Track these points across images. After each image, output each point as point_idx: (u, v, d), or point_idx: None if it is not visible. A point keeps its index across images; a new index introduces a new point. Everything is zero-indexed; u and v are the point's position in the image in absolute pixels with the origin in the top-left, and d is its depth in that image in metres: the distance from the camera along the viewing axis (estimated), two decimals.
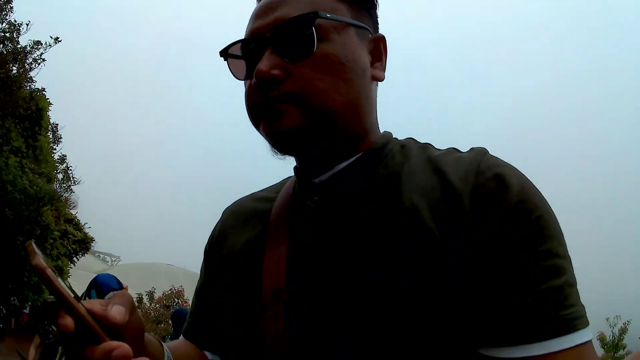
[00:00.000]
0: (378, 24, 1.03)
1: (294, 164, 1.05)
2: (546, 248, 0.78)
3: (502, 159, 0.88)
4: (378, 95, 1.02)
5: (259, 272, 0.94)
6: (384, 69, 1.00)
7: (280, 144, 0.91)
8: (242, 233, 1.06)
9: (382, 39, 1.00)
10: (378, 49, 0.99)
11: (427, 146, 0.98)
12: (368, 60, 0.96)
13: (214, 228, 1.20)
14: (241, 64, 0.96)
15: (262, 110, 0.90)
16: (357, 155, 0.95)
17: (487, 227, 0.78)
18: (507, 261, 0.77)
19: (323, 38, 0.87)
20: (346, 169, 0.95)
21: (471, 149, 0.93)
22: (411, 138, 1.02)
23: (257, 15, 0.93)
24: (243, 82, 0.96)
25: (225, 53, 0.96)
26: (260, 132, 0.94)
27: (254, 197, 1.16)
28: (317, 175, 0.97)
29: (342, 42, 0.90)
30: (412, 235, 0.80)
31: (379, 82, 1.01)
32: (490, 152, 0.90)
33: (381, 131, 1.03)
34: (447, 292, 0.76)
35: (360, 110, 0.93)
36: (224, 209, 1.22)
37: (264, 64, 0.86)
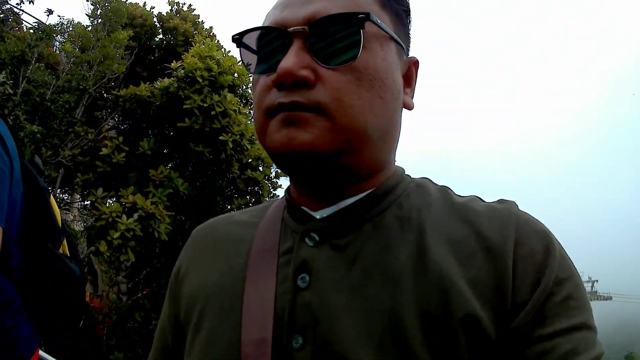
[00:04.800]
0: (410, 45, 0.93)
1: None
2: (584, 320, 0.72)
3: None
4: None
5: (237, 315, 0.80)
6: (412, 97, 0.90)
7: (291, 161, 0.78)
8: (214, 264, 0.91)
9: (416, 63, 0.91)
10: (410, 73, 0.90)
11: (446, 189, 0.89)
12: (402, 83, 0.86)
13: (180, 255, 1.02)
14: (258, 57, 0.83)
15: (277, 114, 0.77)
16: (368, 191, 0.84)
17: (528, 291, 0.71)
18: (544, 332, 0.69)
19: (365, 46, 0.77)
20: (355, 205, 0.83)
21: (500, 200, 0.85)
22: (427, 178, 0.92)
23: (287, 4, 0.82)
24: (256, 77, 0.83)
25: (240, 39, 0.83)
26: (264, 143, 0.81)
27: (230, 220, 1.01)
28: (316, 207, 0.85)
29: (384, 56, 0.80)
30: (439, 298, 0.71)
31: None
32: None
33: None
34: None
35: (388, 138, 0.84)
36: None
37: (291, 60, 0.74)
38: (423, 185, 0.89)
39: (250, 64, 0.84)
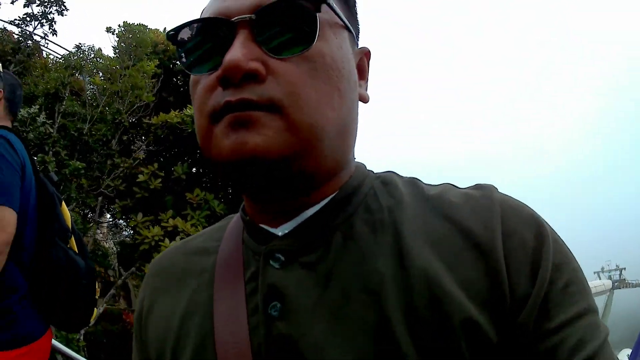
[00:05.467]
0: (359, 34, 0.84)
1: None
2: (587, 304, 0.66)
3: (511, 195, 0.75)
4: None
5: (211, 355, 0.72)
6: (366, 89, 0.82)
7: (243, 170, 0.66)
8: (178, 301, 0.80)
9: (368, 53, 0.83)
10: (363, 63, 0.82)
11: (414, 182, 0.80)
12: (356, 74, 0.78)
13: (140, 295, 0.91)
14: (198, 53, 0.71)
15: (223, 116, 0.65)
16: (330, 197, 0.74)
17: (526, 285, 0.65)
18: (546, 322, 0.64)
19: (319, 34, 0.67)
20: (319, 214, 0.73)
21: (476, 185, 0.77)
22: (391, 172, 0.83)
23: None
24: (196, 77, 0.71)
25: (175, 36, 0.71)
26: (210, 153, 0.69)
27: (187, 249, 0.88)
28: (276, 223, 0.75)
29: (339, 44, 0.72)
30: (430, 308, 0.63)
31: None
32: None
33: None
34: None
35: (348, 134, 0.74)
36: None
37: (239, 52, 0.64)
38: (389, 180, 0.79)
39: (189, 63, 0.72)
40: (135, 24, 9.62)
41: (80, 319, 2.31)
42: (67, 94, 7.58)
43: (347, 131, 0.73)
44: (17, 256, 2.00)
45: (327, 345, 0.65)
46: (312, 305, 0.67)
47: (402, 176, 0.82)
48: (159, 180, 7.60)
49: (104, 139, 7.33)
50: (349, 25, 0.76)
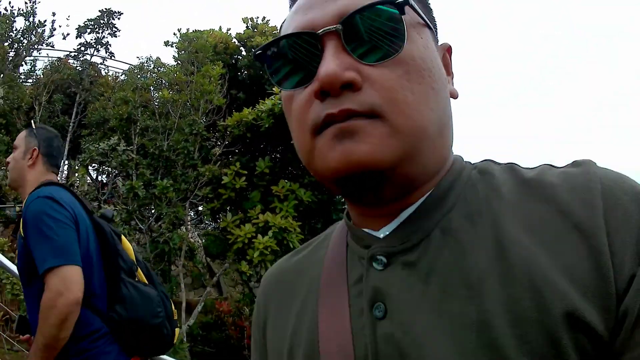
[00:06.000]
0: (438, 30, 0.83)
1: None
2: None
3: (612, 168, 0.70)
4: None
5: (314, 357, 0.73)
6: (453, 84, 0.81)
7: (352, 180, 0.66)
8: (290, 310, 0.82)
9: (449, 49, 0.83)
10: (447, 59, 0.82)
11: (513, 167, 0.77)
12: (444, 70, 0.77)
13: (257, 304, 0.94)
14: (288, 69, 0.71)
15: (326, 129, 0.66)
16: (427, 194, 0.73)
17: (632, 263, 0.59)
18: None
19: (406, 37, 0.67)
20: (417, 213, 0.73)
21: (574, 162, 0.74)
22: (489, 160, 0.81)
23: (309, 5, 0.71)
24: (290, 93, 0.72)
25: (263, 55, 0.72)
26: (315, 167, 0.69)
27: (297, 258, 0.91)
28: (378, 225, 0.75)
29: (425, 44, 0.71)
30: (532, 299, 0.60)
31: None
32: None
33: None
34: None
35: (446, 131, 0.74)
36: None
37: (332, 63, 0.64)
38: (486, 169, 0.77)
39: (280, 80, 0.72)
40: (191, 31, 9.82)
41: (163, 344, 2.36)
42: (139, 116, 7.87)
43: (445, 129, 0.73)
44: (89, 303, 2.08)
45: (428, 340, 0.64)
46: (413, 304, 0.67)
47: (499, 163, 0.80)
48: (243, 178, 7.76)
49: (185, 151, 7.56)
50: (429, 22, 0.75)
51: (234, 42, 10.75)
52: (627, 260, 0.59)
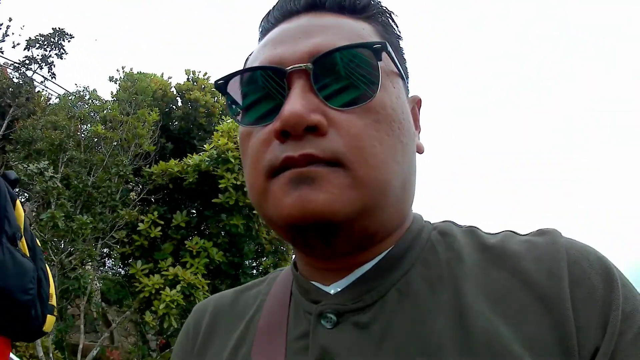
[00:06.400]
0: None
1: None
2: None
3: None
4: None
5: None
6: (419, 139, 0.78)
7: (304, 229, 0.63)
8: (223, 347, 0.78)
9: (419, 102, 0.80)
10: (416, 112, 0.79)
11: (474, 231, 0.74)
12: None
13: (192, 327, 0.87)
14: (249, 104, 0.69)
15: (282, 172, 0.63)
16: (386, 252, 0.70)
17: (595, 337, 0.58)
18: None
19: (379, 84, 0.65)
20: (373, 271, 0.69)
21: (539, 230, 0.71)
22: (450, 221, 0.78)
23: (280, 40, 0.69)
24: (248, 129, 0.69)
25: (223, 86, 0.69)
26: (266, 211, 0.66)
27: (235, 297, 0.86)
28: (328, 279, 0.71)
29: (397, 94, 0.68)
30: None
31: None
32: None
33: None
34: None
35: (409, 187, 0.70)
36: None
37: (298, 103, 0.61)
38: (447, 231, 0.74)
39: (240, 114, 0.69)
40: (136, 72, 9.98)
41: (30, 328, 2.14)
42: (71, 145, 7.84)
43: (408, 184, 0.70)
44: None
45: None
46: None
47: (460, 225, 0.77)
48: (159, 228, 7.83)
49: (109, 191, 7.57)
50: (403, 72, 0.73)
51: (173, 91, 10.96)
52: (591, 333, 0.59)
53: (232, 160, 7.50)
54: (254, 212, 7.46)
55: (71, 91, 9.67)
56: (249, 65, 0.72)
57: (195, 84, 11.07)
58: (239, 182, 7.39)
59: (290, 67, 0.63)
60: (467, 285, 0.64)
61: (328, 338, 0.66)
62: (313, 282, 0.73)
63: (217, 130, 8.15)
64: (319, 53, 0.64)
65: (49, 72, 11.23)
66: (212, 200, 7.47)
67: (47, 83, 11.67)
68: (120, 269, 9.20)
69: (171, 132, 10.58)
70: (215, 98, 10.72)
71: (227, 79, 0.68)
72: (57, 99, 9.77)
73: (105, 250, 8.80)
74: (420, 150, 0.75)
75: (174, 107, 10.95)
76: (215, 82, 0.70)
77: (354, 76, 0.63)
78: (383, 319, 0.65)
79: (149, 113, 8.81)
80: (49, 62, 11.12)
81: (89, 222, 6.63)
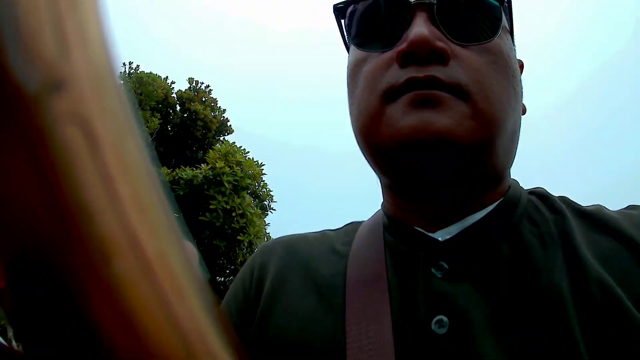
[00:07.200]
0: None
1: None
2: None
3: None
4: None
5: None
6: None
7: (425, 151, 0.58)
8: (304, 301, 0.67)
9: (522, 67, 0.77)
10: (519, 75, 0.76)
11: (566, 199, 0.72)
12: None
13: (251, 267, 0.76)
14: (367, 30, 0.67)
15: (403, 94, 0.59)
16: (496, 202, 0.67)
17: None
18: None
19: (500, 29, 0.63)
20: (485, 221, 0.65)
21: (629, 206, 0.70)
22: (542, 188, 0.75)
23: None
24: (363, 55, 0.66)
25: (343, 9, 0.68)
26: (378, 134, 0.61)
27: (311, 244, 0.76)
28: (432, 226, 0.66)
29: (510, 46, 0.67)
30: (611, 324, 0.54)
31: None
32: None
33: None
34: None
35: (515, 140, 0.69)
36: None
37: (425, 28, 0.58)
38: (546, 195, 0.72)
39: (358, 39, 0.68)
40: (147, 72, 10.17)
41: None
42: None
43: (515, 137, 0.68)
44: None
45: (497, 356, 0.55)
46: (483, 323, 0.57)
47: (551, 193, 0.74)
48: None
49: None
50: (512, 33, 0.72)
51: (173, 97, 11.10)
52: None
53: (226, 184, 7.76)
54: (238, 237, 7.80)
55: None
56: None
57: (196, 94, 11.23)
58: (228, 207, 7.68)
59: (414, 0, 0.61)
60: (577, 242, 0.61)
61: (443, 288, 0.60)
62: (416, 228, 0.67)
63: (213, 149, 8.37)
64: None
65: None
66: (200, 218, 7.71)
67: None
68: None
69: (166, 138, 10.73)
70: (214, 113, 10.94)
71: (347, 3, 0.67)
72: None
73: None
74: (523, 111, 0.72)
75: (172, 113, 11.09)
76: (334, 5, 0.68)
77: (476, 16, 0.63)
78: (499, 272, 0.60)
79: (152, 119, 9.00)
80: None
81: None
